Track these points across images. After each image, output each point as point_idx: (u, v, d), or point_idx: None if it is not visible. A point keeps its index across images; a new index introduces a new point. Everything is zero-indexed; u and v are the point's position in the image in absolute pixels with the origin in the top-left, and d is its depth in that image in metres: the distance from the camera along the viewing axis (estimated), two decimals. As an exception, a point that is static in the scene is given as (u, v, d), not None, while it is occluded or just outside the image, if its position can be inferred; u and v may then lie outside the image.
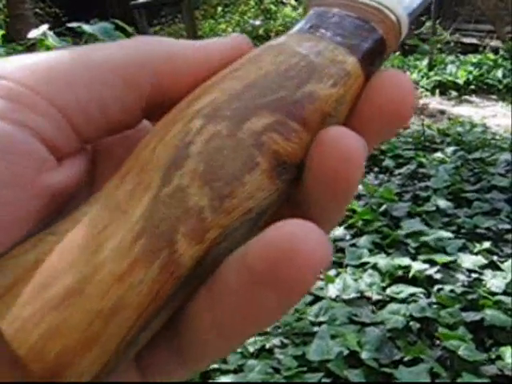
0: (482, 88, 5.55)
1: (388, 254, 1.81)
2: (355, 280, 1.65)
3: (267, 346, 1.39)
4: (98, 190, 0.17)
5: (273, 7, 6.73)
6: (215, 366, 1.31)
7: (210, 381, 1.29)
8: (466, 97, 5.36)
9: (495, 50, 6.45)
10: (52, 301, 0.14)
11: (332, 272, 1.71)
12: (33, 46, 1.79)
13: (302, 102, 0.17)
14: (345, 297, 1.58)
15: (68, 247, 0.15)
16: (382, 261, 1.72)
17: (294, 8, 6.85)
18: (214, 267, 0.16)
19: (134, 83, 0.17)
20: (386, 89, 0.17)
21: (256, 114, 0.17)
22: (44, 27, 1.73)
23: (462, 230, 2.01)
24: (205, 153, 0.16)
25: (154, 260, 0.15)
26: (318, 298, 1.57)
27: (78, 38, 1.83)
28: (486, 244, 1.85)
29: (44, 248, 0.15)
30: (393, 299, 1.56)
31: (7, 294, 0.14)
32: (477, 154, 2.86)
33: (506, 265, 1.72)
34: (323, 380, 1.27)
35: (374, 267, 1.71)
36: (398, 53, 6.93)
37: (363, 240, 1.88)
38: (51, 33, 1.74)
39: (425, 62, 6.18)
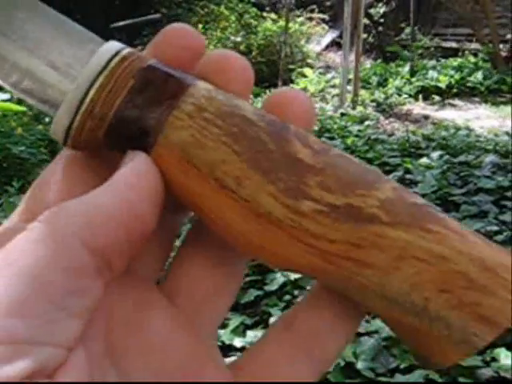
0: (464, 91, 5.60)
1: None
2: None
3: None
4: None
5: (253, 21, 6.78)
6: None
7: None
8: (449, 100, 5.41)
9: (474, 53, 6.53)
10: None
11: (324, 283, 1.70)
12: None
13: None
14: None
15: None
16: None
17: (275, 21, 6.90)
18: None
19: (67, 270, 0.16)
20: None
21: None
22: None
23: (452, 234, 2.02)
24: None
25: None
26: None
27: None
28: (476, 247, 1.85)
29: None
30: (386, 307, 1.56)
31: None
32: (462, 158, 2.88)
33: (496, 266, 1.73)
34: (320, 393, 1.27)
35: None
36: (379, 60, 6.99)
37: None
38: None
39: (406, 68, 6.24)
